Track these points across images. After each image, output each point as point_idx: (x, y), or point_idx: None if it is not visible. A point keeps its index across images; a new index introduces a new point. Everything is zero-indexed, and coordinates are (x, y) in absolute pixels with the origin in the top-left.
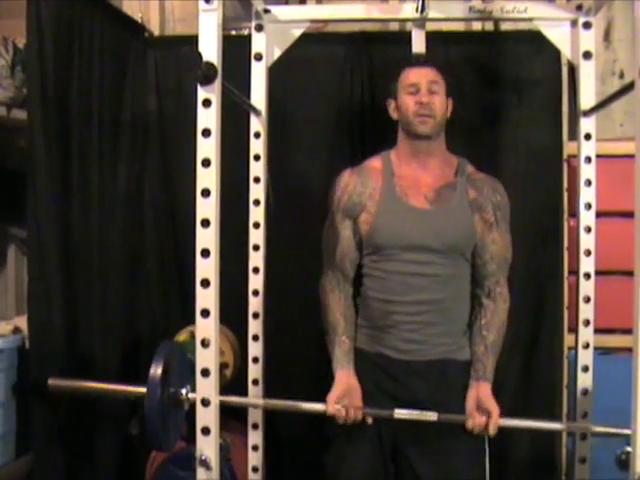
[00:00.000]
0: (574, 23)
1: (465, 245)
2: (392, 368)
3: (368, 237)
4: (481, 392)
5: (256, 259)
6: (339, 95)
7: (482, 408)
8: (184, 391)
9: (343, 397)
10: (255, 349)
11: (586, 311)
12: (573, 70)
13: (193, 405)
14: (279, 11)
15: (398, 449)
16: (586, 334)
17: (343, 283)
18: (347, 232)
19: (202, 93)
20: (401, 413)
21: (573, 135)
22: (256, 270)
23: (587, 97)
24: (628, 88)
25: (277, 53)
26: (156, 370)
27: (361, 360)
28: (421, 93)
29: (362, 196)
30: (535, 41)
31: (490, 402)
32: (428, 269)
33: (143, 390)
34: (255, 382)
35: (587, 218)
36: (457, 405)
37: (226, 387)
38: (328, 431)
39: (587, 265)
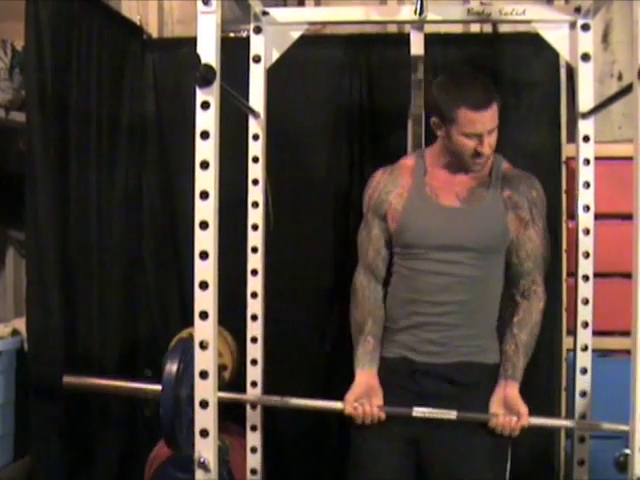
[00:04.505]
0: (572, 25)
1: (497, 243)
2: (414, 371)
3: (396, 235)
4: (509, 392)
5: (254, 261)
6: (338, 97)
7: (509, 408)
8: None
9: (362, 397)
10: (254, 351)
11: (585, 313)
12: (571, 72)
13: None
14: (277, 13)
15: (421, 457)
16: (585, 336)
17: (374, 284)
18: (377, 231)
19: (201, 95)
20: (419, 411)
21: (571, 137)
22: (254, 272)
23: (585, 99)
24: (626, 90)
25: (275, 55)
26: (171, 368)
27: (382, 367)
28: (482, 143)
29: (390, 194)
30: (533, 43)
31: (519, 403)
32: (456, 269)
33: (158, 388)
34: (254, 384)
35: (586, 220)
36: (480, 409)
37: (224, 389)
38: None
39: (586, 267)
